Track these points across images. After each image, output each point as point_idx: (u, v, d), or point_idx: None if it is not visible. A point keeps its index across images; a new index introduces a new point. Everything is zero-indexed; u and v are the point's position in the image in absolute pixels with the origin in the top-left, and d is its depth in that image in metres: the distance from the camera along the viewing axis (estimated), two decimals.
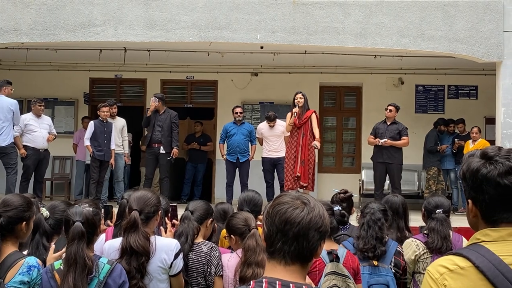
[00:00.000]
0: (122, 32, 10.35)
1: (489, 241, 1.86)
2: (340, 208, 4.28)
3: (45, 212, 3.82)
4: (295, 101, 10.13)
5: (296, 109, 10.02)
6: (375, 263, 4.34)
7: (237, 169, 11.43)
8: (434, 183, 11.94)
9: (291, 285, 1.87)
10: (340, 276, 3.89)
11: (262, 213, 4.87)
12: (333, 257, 3.93)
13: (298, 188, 9.97)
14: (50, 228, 3.85)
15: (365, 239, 4.41)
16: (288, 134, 10.42)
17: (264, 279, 1.90)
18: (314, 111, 10.35)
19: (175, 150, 11.10)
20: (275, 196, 2.08)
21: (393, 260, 4.45)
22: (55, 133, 11.11)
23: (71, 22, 10.32)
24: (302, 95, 10.18)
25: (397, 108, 10.98)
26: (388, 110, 10.93)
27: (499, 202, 1.86)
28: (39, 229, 3.73)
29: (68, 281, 3.15)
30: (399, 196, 5.44)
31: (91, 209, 3.36)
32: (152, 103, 11.13)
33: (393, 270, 4.40)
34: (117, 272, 3.30)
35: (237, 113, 11.53)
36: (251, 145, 11.54)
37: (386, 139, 10.70)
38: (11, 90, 10.28)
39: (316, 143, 10.05)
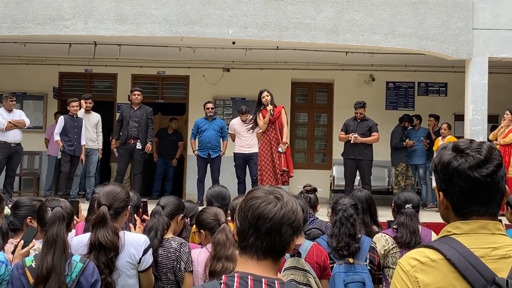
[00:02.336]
0: (92, 26, 10.23)
1: (460, 233, 1.86)
2: None
3: (6, 209, 3.76)
4: (263, 99, 10.18)
5: (270, 107, 10.08)
6: (351, 260, 4.31)
7: (209, 165, 11.41)
8: (402, 179, 12.04)
9: (263, 280, 1.86)
10: (301, 271, 3.89)
11: (230, 208, 4.87)
12: (294, 252, 3.92)
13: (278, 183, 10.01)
14: (12, 226, 3.79)
15: (338, 237, 4.35)
16: (261, 131, 10.45)
17: (236, 274, 1.88)
18: (283, 107, 10.43)
19: (148, 145, 11.11)
20: (247, 191, 2.07)
21: (368, 256, 4.42)
22: (24, 120, 10.90)
23: (40, 15, 10.16)
24: (268, 92, 10.26)
25: (364, 106, 11.06)
26: (358, 113, 11.01)
27: (469, 195, 1.87)
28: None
29: (47, 261, 3.13)
30: (363, 191, 5.45)
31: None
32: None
33: (368, 267, 4.39)
34: (89, 271, 3.27)
35: (208, 108, 11.50)
36: (223, 141, 11.53)
37: (356, 135, 10.77)
38: None
39: (282, 147, 10.08)
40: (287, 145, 10.26)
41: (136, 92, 11.29)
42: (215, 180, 11.05)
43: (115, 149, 11.43)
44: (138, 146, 11.03)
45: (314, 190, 5.49)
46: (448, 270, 1.79)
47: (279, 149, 10.07)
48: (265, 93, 10.22)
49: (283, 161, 10.09)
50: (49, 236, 3.22)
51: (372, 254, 4.49)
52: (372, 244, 4.53)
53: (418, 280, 1.80)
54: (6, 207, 3.81)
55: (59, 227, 3.24)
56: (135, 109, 11.17)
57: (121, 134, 11.26)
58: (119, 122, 11.33)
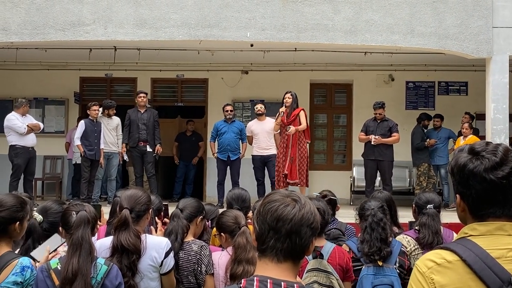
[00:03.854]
0: (112, 31, 10.32)
1: (476, 235, 1.87)
2: None
3: (38, 217, 3.79)
4: (284, 100, 10.20)
5: (283, 109, 10.06)
6: (380, 263, 4.22)
7: (228, 167, 11.43)
8: (424, 179, 11.96)
9: (282, 283, 1.87)
10: (323, 273, 3.87)
11: (251, 209, 4.88)
12: (317, 254, 3.91)
13: (289, 186, 9.99)
14: (45, 232, 3.83)
15: (370, 242, 4.26)
16: (278, 132, 10.46)
17: (255, 278, 1.89)
18: (303, 109, 10.37)
19: (158, 147, 11.27)
20: (265, 194, 2.09)
21: (398, 260, 4.33)
22: (39, 124, 11.08)
23: (61, 21, 10.27)
24: (291, 94, 10.23)
25: (383, 106, 11.02)
26: (378, 114, 10.99)
27: (485, 197, 1.87)
28: (33, 234, 3.67)
29: (72, 263, 3.17)
30: (383, 192, 5.40)
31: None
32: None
33: (397, 271, 4.29)
34: (113, 273, 3.31)
35: (227, 111, 11.54)
36: (242, 143, 11.54)
37: (377, 137, 10.74)
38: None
39: (292, 128, 9.99)
40: (297, 130, 10.09)
41: (142, 95, 11.40)
42: (235, 183, 11.07)
43: (124, 153, 11.52)
44: (149, 148, 11.20)
45: (328, 203, 5.41)
46: (464, 271, 1.79)
47: (288, 130, 10.02)
48: (287, 95, 10.23)
49: (287, 165, 10.04)
50: (74, 238, 3.26)
51: (402, 258, 4.39)
52: (402, 248, 4.44)
53: (435, 281, 1.81)
54: (37, 214, 3.83)
55: (84, 230, 3.29)
56: (142, 112, 11.32)
57: (130, 137, 11.40)
58: (127, 126, 11.41)
